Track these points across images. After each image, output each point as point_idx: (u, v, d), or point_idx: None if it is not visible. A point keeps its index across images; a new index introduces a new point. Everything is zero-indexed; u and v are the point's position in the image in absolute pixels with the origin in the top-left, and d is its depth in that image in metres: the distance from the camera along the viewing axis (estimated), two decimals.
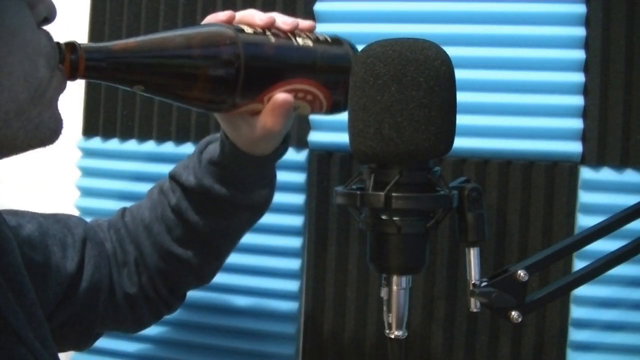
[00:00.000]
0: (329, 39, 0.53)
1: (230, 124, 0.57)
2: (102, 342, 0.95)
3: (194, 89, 0.48)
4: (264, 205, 0.67)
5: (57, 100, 0.45)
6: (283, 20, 0.54)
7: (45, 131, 0.44)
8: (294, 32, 0.53)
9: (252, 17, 0.53)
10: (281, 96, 0.51)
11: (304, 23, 0.55)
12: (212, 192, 0.60)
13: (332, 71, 0.53)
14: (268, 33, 0.51)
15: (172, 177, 0.64)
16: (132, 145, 0.92)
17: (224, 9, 0.88)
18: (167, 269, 0.65)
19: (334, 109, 0.56)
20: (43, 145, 0.45)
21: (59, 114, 0.45)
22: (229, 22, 0.52)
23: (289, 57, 0.51)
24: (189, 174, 0.62)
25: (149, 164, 0.90)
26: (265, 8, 0.87)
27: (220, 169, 0.60)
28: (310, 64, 0.52)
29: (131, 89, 0.48)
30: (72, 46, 0.46)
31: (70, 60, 0.45)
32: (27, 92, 0.41)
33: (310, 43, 0.52)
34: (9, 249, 0.52)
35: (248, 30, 0.50)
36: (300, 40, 0.52)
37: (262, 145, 0.58)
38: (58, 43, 0.46)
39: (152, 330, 0.83)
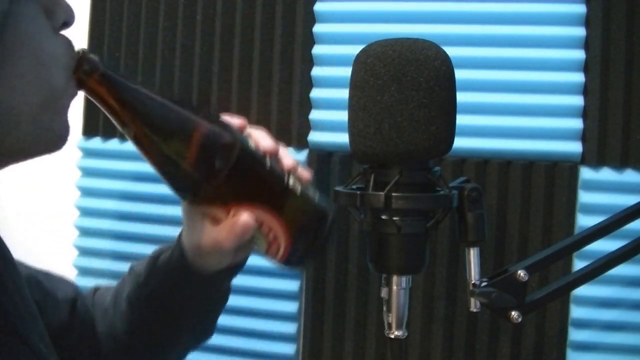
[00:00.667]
0: (317, 197, 0.52)
1: (190, 220, 0.56)
2: None
3: (174, 158, 0.47)
4: (205, 328, 0.66)
5: (68, 107, 0.45)
6: (285, 155, 0.53)
7: (52, 136, 0.43)
8: (290, 171, 0.52)
9: (260, 137, 0.52)
10: (245, 217, 0.49)
11: (304, 171, 0.54)
12: (155, 296, 0.60)
13: (305, 224, 0.51)
14: (267, 158, 0.50)
15: (130, 269, 0.65)
16: (132, 145, 0.92)
17: (223, 10, 0.89)
18: (116, 353, 0.65)
19: (285, 262, 0.53)
20: (49, 151, 0.45)
21: (67, 121, 0.45)
22: (240, 128, 0.52)
23: (272, 187, 0.50)
24: (140, 271, 0.62)
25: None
26: (265, 8, 0.88)
27: (166, 274, 0.59)
28: (288, 205, 0.50)
29: (122, 130, 0.48)
30: (89, 59, 0.45)
31: (82, 70, 0.45)
32: (40, 97, 0.41)
33: (298, 189, 0.51)
34: (16, 271, 0.52)
35: (251, 144, 0.50)
36: (291, 181, 0.51)
37: (209, 258, 0.56)
38: (81, 51, 0.45)
39: None
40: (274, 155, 0.52)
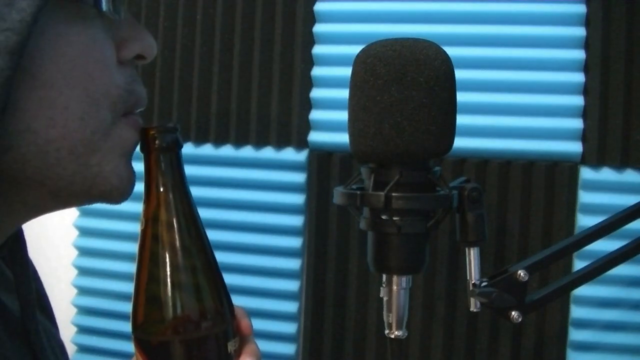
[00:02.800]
0: None
1: None
2: (103, 343, 0.95)
3: (164, 292, 0.42)
4: None
5: (124, 154, 0.42)
6: None
7: (105, 185, 0.40)
8: None
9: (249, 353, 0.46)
10: None
11: None
12: None
13: None
14: None
15: None
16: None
17: (223, 10, 0.89)
18: None
19: None
20: (105, 200, 0.42)
21: (125, 171, 0.42)
22: (243, 332, 0.47)
23: None
24: None
25: None
26: (265, 8, 0.88)
27: None
28: None
29: (145, 217, 0.44)
30: (171, 134, 0.43)
31: (152, 136, 0.43)
32: (83, 132, 0.38)
33: None
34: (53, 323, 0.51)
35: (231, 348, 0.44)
36: None
37: None
38: (173, 127, 0.43)
39: None
40: None
